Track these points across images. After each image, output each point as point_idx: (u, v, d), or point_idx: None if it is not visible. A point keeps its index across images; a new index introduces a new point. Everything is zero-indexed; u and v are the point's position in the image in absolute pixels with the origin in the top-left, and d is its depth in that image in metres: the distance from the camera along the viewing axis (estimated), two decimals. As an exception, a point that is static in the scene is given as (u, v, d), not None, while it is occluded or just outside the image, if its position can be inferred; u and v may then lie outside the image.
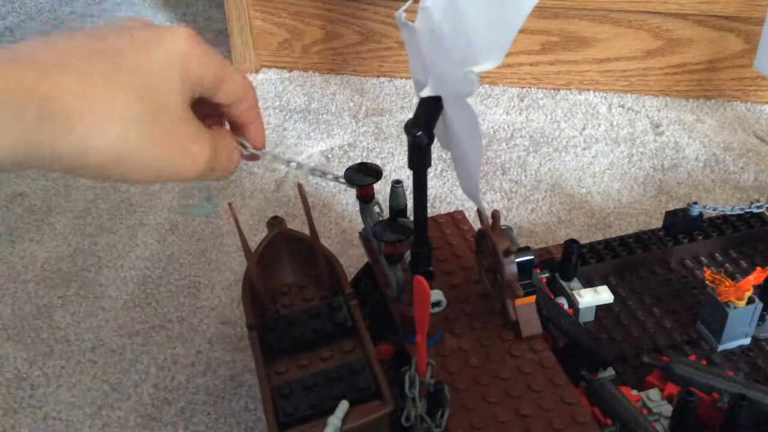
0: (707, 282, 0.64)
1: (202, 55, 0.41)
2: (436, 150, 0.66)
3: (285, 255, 0.65)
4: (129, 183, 0.41)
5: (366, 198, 0.63)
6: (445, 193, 0.94)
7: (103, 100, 0.36)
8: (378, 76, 1.18)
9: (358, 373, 0.55)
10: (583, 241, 0.72)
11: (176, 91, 0.40)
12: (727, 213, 0.75)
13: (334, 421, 0.50)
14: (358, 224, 0.69)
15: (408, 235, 0.55)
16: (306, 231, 0.63)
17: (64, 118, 0.35)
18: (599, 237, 0.86)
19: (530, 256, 0.57)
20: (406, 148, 0.52)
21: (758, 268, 0.63)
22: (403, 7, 0.46)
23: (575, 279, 0.68)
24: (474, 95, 0.44)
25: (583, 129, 1.05)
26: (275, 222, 0.65)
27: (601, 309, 0.68)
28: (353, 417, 0.51)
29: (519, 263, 0.55)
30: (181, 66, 0.40)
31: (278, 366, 0.57)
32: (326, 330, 0.58)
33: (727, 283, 0.62)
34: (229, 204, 0.60)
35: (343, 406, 0.51)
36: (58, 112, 0.35)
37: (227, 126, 0.47)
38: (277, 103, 1.13)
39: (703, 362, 0.61)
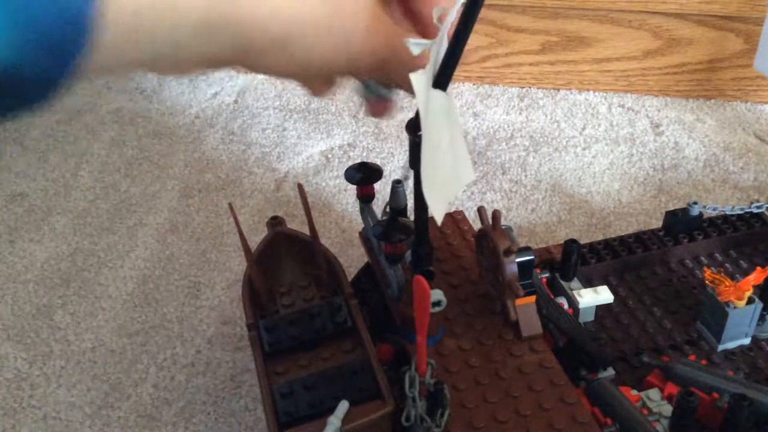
0: (707, 282, 0.64)
1: None
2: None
3: (285, 255, 0.65)
4: (310, 74, 0.39)
5: (366, 198, 0.63)
6: (445, 193, 0.93)
7: None
8: (378, 76, 1.18)
9: (358, 373, 0.55)
10: (583, 241, 0.72)
11: None
12: (727, 213, 0.75)
13: (334, 421, 0.50)
14: (358, 224, 0.69)
15: (408, 234, 0.55)
16: (306, 231, 0.63)
17: None
18: (599, 237, 0.86)
19: (530, 256, 0.57)
20: (406, 148, 0.52)
21: (758, 268, 0.63)
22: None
23: (575, 279, 0.68)
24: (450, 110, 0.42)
25: (583, 129, 1.05)
26: (275, 222, 0.65)
27: (601, 309, 0.68)
28: (353, 417, 0.51)
29: (519, 263, 0.55)
30: None
31: (278, 366, 0.57)
32: (326, 330, 0.58)
33: (727, 283, 0.62)
34: (229, 204, 0.60)
35: (343, 405, 0.51)
36: None
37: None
38: (277, 103, 1.13)
39: (703, 362, 0.61)
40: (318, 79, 0.42)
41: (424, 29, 0.43)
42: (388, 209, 0.62)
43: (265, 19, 0.33)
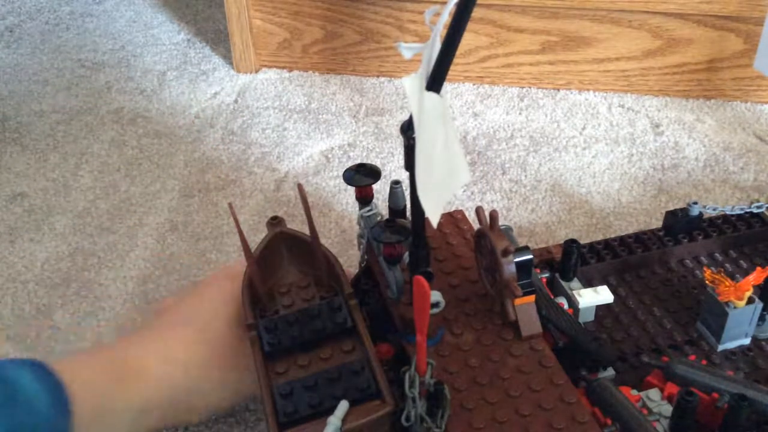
0: (707, 282, 0.64)
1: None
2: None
3: (285, 255, 0.65)
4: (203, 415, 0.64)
5: (365, 199, 0.63)
6: (445, 193, 0.93)
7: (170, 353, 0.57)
8: (378, 76, 1.18)
9: (358, 373, 0.55)
10: (583, 241, 0.72)
11: (224, 320, 0.58)
12: (727, 213, 0.75)
13: (334, 420, 0.50)
14: (358, 224, 0.69)
15: (406, 236, 0.55)
16: (306, 231, 0.63)
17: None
18: (599, 237, 0.86)
19: (529, 255, 0.57)
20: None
21: (758, 268, 0.63)
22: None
23: (575, 279, 0.68)
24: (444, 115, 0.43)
25: (583, 129, 1.05)
26: (275, 222, 0.65)
27: (601, 309, 0.68)
28: (353, 417, 0.51)
29: (517, 263, 0.55)
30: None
31: (278, 366, 0.57)
32: (326, 330, 0.58)
33: (727, 283, 0.62)
34: (229, 204, 0.60)
35: (343, 405, 0.51)
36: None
37: None
38: (277, 103, 1.13)
39: (703, 362, 0.61)
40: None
41: None
42: (361, 223, 0.63)
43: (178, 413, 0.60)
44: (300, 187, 0.60)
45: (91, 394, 0.52)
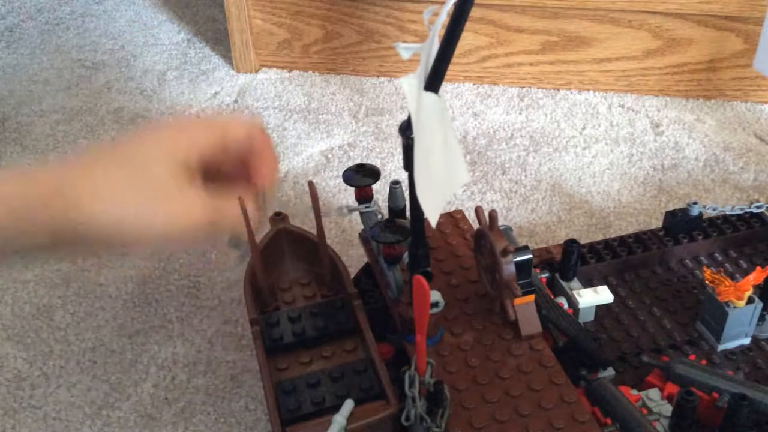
0: (707, 282, 0.64)
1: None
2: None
3: (287, 251, 0.65)
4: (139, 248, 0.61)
5: (364, 199, 0.63)
6: (445, 193, 0.93)
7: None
8: (378, 76, 1.18)
9: (361, 373, 0.55)
10: (583, 241, 0.72)
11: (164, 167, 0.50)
12: (727, 213, 0.75)
13: (340, 419, 0.50)
14: (358, 224, 0.69)
15: (406, 236, 0.55)
16: (307, 229, 0.64)
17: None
18: (599, 237, 0.86)
19: (529, 255, 0.57)
20: (405, 148, 0.52)
21: (758, 268, 0.63)
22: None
23: (575, 279, 0.68)
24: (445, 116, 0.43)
25: (583, 129, 1.05)
26: (278, 218, 0.65)
27: (601, 309, 0.68)
28: (357, 416, 0.51)
29: (517, 263, 0.56)
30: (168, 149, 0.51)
31: (280, 362, 0.57)
32: (329, 328, 0.58)
33: (727, 283, 0.62)
34: (239, 197, 0.60)
35: (348, 404, 0.51)
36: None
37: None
38: (277, 103, 1.13)
39: (703, 362, 0.61)
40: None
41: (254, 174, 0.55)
42: (345, 210, 0.64)
43: (95, 236, 0.49)
44: (311, 184, 0.60)
45: None
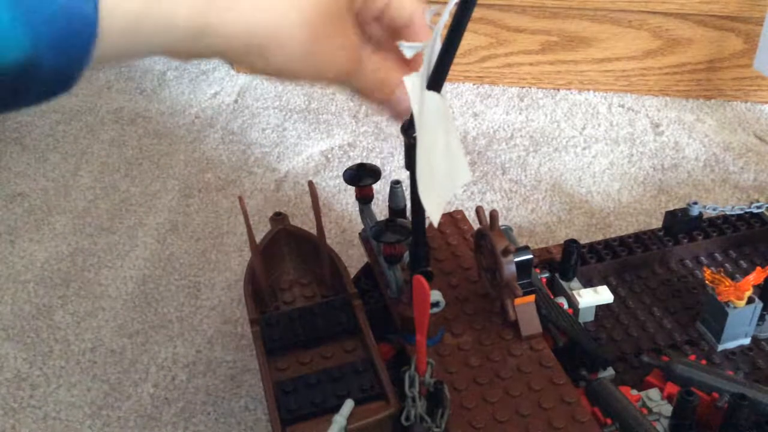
0: (707, 282, 0.64)
1: None
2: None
3: (287, 251, 0.65)
4: (284, 77, 0.42)
5: (365, 199, 0.63)
6: (445, 193, 0.93)
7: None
8: (378, 76, 1.18)
9: (361, 373, 0.55)
10: (583, 241, 0.72)
11: None
12: (727, 213, 0.75)
13: (340, 419, 0.50)
14: (358, 224, 0.69)
15: (406, 235, 0.55)
16: (306, 229, 0.64)
17: None
18: (599, 237, 0.86)
19: (529, 255, 0.57)
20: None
21: (758, 268, 0.63)
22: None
23: (575, 279, 0.68)
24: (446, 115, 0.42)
25: (583, 129, 1.05)
26: (279, 218, 0.65)
27: (601, 309, 0.68)
28: (357, 417, 0.51)
29: (517, 263, 0.56)
30: None
31: (279, 362, 0.57)
32: (329, 328, 0.58)
33: (727, 283, 0.62)
34: (240, 197, 0.60)
35: (349, 404, 0.51)
36: None
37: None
38: (277, 103, 1.13)
39: (703, 362, 0.61)
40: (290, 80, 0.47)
41: (401, 33, 0.46)
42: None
43: (242, 33, 0.38)
44: (311, 184, 0.60)
45: None
